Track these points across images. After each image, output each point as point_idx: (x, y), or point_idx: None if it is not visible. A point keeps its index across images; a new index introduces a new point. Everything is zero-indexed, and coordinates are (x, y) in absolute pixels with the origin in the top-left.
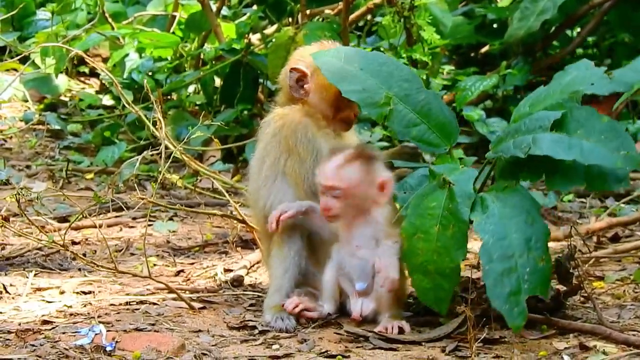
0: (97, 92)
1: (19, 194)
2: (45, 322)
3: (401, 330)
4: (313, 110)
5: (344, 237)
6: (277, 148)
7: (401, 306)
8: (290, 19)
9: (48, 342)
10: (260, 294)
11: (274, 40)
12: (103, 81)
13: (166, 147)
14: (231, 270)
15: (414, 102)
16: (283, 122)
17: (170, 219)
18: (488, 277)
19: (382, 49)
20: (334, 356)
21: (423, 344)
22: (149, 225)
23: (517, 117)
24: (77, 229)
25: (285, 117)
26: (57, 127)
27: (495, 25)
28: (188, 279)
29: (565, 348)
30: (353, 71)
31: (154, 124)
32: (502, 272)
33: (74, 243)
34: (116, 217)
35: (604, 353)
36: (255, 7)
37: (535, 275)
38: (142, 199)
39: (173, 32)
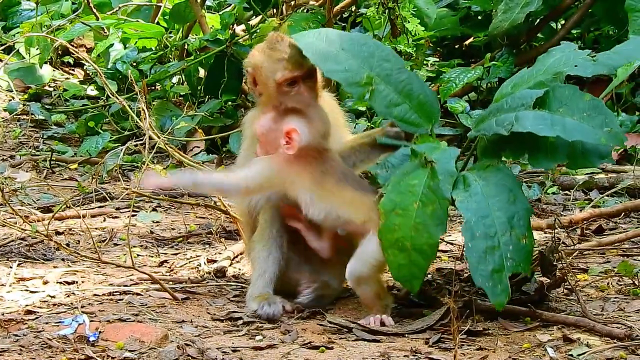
0: (82, 82)
1: (3, 184)
2: (28, 312)
3: (383, 324)
4: (267, 104)
5: None
6: (252, 145)
7: (386, 296)
8: (274, 10)
9: (31, 332)
10: (244, 285)
11: (258, 31)
12: (87, 71)
13: (150, 138)
14: (215, 261)
15: (396, 82)
16: (251, 120)
17: (154, 209)
18: (471, 255)
19: None
20: (318, 347)
21: (406, 335)
22: (133, 215)
23: (500, 96)
24: (60, 219)
25: (252, 114)
26: (41, 117)
27: (479, 17)
28: (171, 270)
29: (549, 340)
30: (335, 52)
31: (138, 114)
32: (485, 250)
33: (57, 233)
34: (100, 207)
35: (588, 345)
36: None
37: (517, 253)
38: (126, 189)
39: (157, 23)
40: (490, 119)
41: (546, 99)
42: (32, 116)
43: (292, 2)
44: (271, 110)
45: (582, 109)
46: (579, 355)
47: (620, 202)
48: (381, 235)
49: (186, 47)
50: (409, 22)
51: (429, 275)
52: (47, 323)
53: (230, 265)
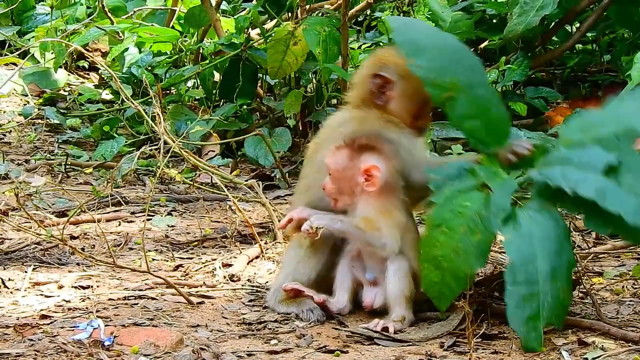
0: (96, 87)
1: (18, 188)
2: (43, 317)
3: (385, 329)
4: (391, 117)
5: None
6: (320, 173)
7: (410, 307)
8: (289, 14)
9: (46, 336)
10: (259, 289)
11: (273, 35)
12: (102, 75)
13: (165, 142)
14: (230, 265)
15: (475, 95)
16: (362, 127)
17: (169, 213)
18: (510, 299)
19: (381, 44)
20: (333, 351)
21: (418, 339)
22: (148, 219)
23: (568, 141)
24: (75, 223)
25: (365, 121)
26: (56, 121)
27: (494, 21)
28: (187, 274)
29: (564, 344)
30: (426, 49)
31: (153, 118)
32: (524, 297)
33: (72, 237)
34: (115, 211)
35: (603, 349)
36: (254, 1)
37: (554, 305)
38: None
39: (173, 27)
40: (555, 166)
41: (618, 166)
42: (47, 120)
43: (307, 6)
44: (344, 147)
45: None
46: (593, 358)
47: None
48: (422, 247)
49: (201, 51)
50: None
51: None
52: (62, 327)
53: (245, 269)
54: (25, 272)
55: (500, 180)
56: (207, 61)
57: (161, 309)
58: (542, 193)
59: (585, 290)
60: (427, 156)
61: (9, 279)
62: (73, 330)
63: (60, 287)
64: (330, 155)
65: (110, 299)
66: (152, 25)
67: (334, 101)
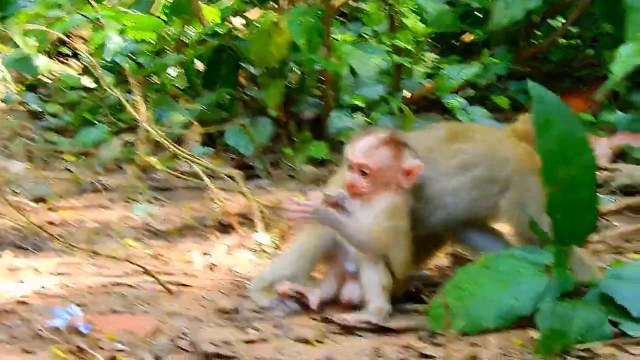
0: (78, 74)
1: None
2: (20, 303)
3: (364, 320)
4: None
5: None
6: None
7: (387, 298)
8: (273, 4)
9: (23, 322)
10: (237, 278)
11: (257, 25)
12: (84, 63)
13: (146, 130)
14: (209, 254)
15: (578, 196)
16: None
17: (149, 201)
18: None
19: (365, 36)
20: (310, 341)
21: (398, 328)
22: (128, 207)
23: None
24: (54, 210)
25: None
26: (37, 107)
27: (479, 14)
28: (165, 262)
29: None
30: (555, 130)
31: (134, 106)
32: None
33: (51, 224)
34: (95, 199)
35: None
36: None
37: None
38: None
39: (157, 16)
40: (626, 284)
41: None
42: (28, 106)
43: None
44: (380, 143)
45: None
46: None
47: (615, 200)
48: (460, 273)
49: (184, 40)
50: (408, 18)
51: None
52: (39, 314)
53: (224, 259)
54: (2, 258)
55: (564, 273)
56: (191, 50)
57: (139, 297)
58: (599, 300)
59: None
60: None
61: None
62: (50, 317)
63: (38, 274)
64: (366, 154)
65: (87, 286)
66: (135, 12)
67: (316, 92)
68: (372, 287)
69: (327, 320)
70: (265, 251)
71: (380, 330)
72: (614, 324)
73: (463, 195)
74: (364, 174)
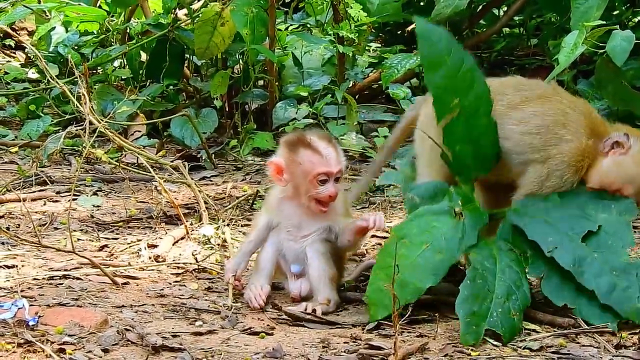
0: (23, 66)
1: None
2: None
3: (312, 311)
4: None
5: (296, 223)
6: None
7: (334, 289)
8: None
9: None
10: (184, 270)
11: (200, 15)
12: (29, 54)
13: (91, 122)
14: (155, 246)
15: (475, 123)
16: None
17: (95, 193)
18: (464, 289)
19: (309, 26)
20: (258, 333)
21: (345, 322)
22: (74, 199)
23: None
24: (0, 202)
25: None
26: None
27: (422, 3)
28: (112, 254)
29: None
30: (443, 62)
31: (79, 98)
32: (476, 295)
33: None
34: (40, 191)
35: (528, 333)
36: None
37: (503, 318)
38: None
39: (100, 6)
40: (536, 219)
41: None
42: None
43: None
44: None
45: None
46: (520, 341)
47: None
48: (379, 255)
49: (128, 31)
50: (351, 7)
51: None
52: None
53: (170, 250)
54: None
55: (474, 209)
56: (134, 41)
57: (86, 289)
58: (508, 233)
59: None
60: None
61: None
62: None
63: None
64: (336, 157)
65: (35, 279)
66: (79, 4)
67: (261, 82)
68: (319, 278)
69: (275, 307)
70: (210, 242)
71: (328, 322)
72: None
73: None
74: (338, 179)
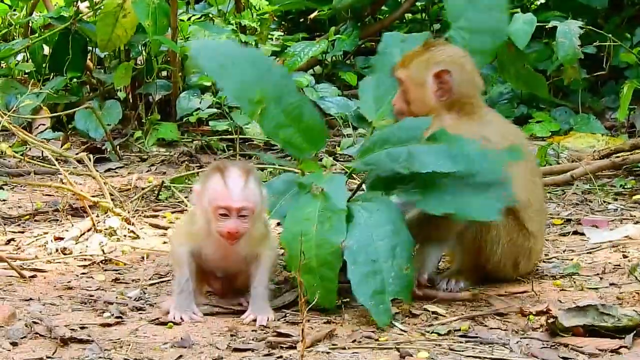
0: None
1: None
2: None
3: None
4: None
5: (221, 255)
6: None
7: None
8: None
9: None
10: (91, 261)
11: (102, 7)
12: None
13: None
14: (62, 239)
15: (286, 104)
16: None
17: (0, 187)
18: (353, 276)
19: (211, 16)
20: (166, 323)
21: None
22: None
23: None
24: None
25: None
26: None
27: None
28: (18, 248)
29: (396, 313)
30: (232, 67)
31: None
32: (367, 274)
33: None
34: None
35: (435, 317)
36: None
37: (399, 280)
38: None
39: (1, 0)
40: (378, 151)
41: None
42: None
43: None
44: None
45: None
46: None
47: None
48: (291, 266)
49: (30, 24)
50: None
51: None
52: None
53: (77, 242)
54: None
55: (329, 179)
56: (37, 35)
57: None
58: (374, 186)
59: None
60: None
61: None
62: None
63: None
64: (240, 192)
65: None
66: None
67: (164, 73)
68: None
69: None
70: (116, 234)
71: (235, 311)
72: None
73: None
74: (245, 215)
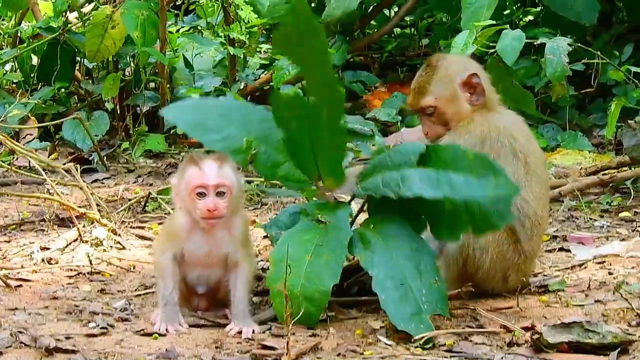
0: None
1: None
2: None
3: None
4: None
5: (204, 252)
6: None
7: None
8: None
9: None
10: (77, 272)
11: (91, 18)
12: None
13: None
14: (48, 249)
15: (275, 141)
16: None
17: None
18: (387, 305)
19: (199, 28)
20: (151, 334)
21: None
22: None
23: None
24: None
25: None
26: None
27: (313, 5)
28: (4, 257)
29: (381, 327)
30: (210, 121)
31: None
32: (399, 299)
33: None
34: None
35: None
36: None
37: (431, 296)
38: None
39: None
40: (376, 175)
41: (429, 158)
42: None
43: None
44: None
45: (467, 166)
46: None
47: None
48: (268, 283)
49: (19, 34)
50: (242, 9)
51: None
52: None
53: (63, 253)
54: None
55: (332, 209)
56: (25, 45)
57: None
58: (377, 207)
59: None
60: None
61: None
62: None
63: None
64: (216, 170)
65: None
66: None
67: (152, 85)
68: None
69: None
70: (102, 244)
71: (220, 324)
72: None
73: None
74: (222, 193)
